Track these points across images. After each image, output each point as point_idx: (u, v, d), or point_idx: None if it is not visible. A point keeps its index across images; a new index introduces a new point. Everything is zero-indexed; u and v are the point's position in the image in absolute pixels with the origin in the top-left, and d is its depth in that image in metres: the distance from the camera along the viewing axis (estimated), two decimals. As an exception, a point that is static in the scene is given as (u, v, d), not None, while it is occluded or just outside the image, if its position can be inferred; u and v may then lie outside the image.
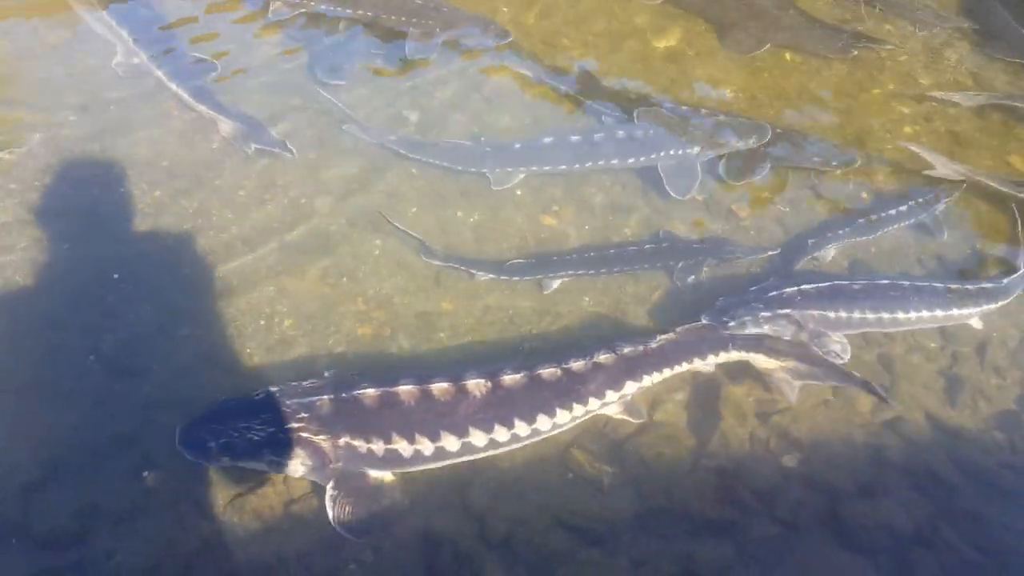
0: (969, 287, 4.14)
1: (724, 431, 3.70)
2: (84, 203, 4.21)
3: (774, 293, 3.85)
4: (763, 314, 3.75)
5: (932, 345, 4.17)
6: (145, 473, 3.29)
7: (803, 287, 3.88)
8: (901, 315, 3.93)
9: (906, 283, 4.03)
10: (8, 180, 4.21)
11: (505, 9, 5.85)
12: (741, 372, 3.88)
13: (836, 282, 3.96)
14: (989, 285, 4.19)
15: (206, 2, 5.45)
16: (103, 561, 3.10)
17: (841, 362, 3.74)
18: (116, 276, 3.88)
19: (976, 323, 4.14)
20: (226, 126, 4.54)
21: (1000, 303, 4.20)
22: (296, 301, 3.94)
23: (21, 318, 3.71)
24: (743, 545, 3.36)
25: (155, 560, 3.11)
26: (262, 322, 3.84)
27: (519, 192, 4.56)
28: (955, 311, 4.03)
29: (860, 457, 3.70)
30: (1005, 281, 4.23)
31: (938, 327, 4.16)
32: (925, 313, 3.97)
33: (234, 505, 3.26)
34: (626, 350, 3.52)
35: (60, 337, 3.66)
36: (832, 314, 3.83)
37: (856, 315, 3.86)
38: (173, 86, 4.71)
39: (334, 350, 3.78)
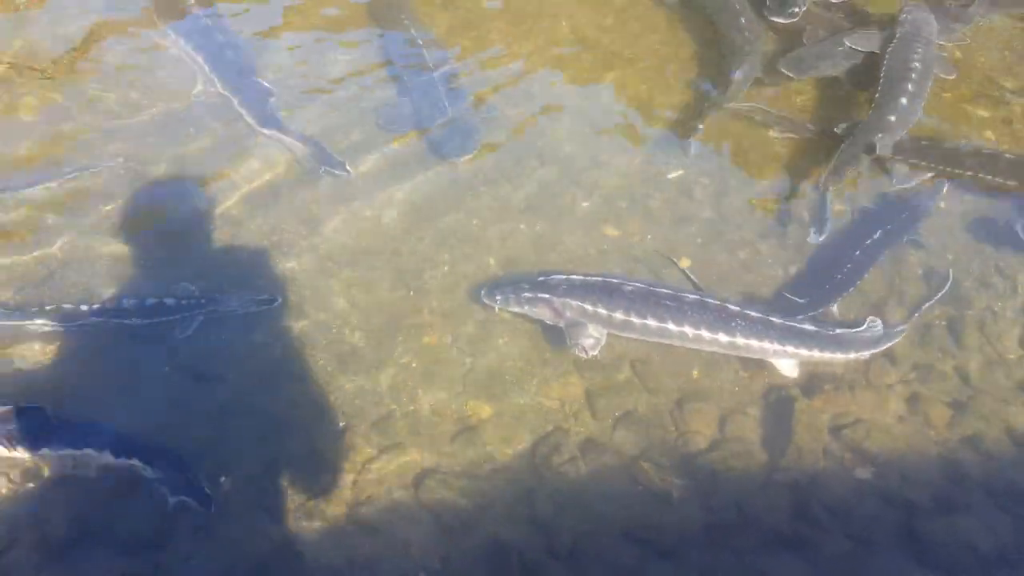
0: (778, 321, 3.79)
1: (797, 445, 3.63)
2: (162, 219, 4.40)
3: (543, 279, 3.92)
4: (525, 295, 3.87)
5: (1011, 356, 4.02)
6: (222, 479, 3.39)
7: (572, 277, 3.91)
8: (672, 327, 3.75)
9: (691, 297, 3.83)
10: (90, 198, 4.40)
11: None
12: (815, 386, 3.83)
13: (608, 279, 3.89)
14: (810, 328, 3.81)
15: (279, 33, 5.64)
16: (180, 564, 3.20)
17: (585, 356, 3.78)
18: (193, 288, 4.02)
19: (785, 367, 3.83)
20: (296, 149, 4.73)
21: (826, 353, 3.82)
22: (366, 313, 4.03)
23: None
24: (816, 561, 3.28)
25: (229, 564, 3.19)
26: (331, 337, 3.93)
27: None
28: (741, 340, 3.75)
29: (937, 472, 3.60)
30: (838, 331, 3.84)
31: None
32: (704, 334, 3.75)
33: (304, 509, 3.33)
34: None
35: (139, 345, 3.81)
36: (590, 308, 3.80)
37: (617, 316, 3.78)
38: (244, 111, 4.89)
39: (400, 359, 3.86)
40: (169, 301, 3.88)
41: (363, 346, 3.90)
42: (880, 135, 4.70)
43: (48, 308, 3.82)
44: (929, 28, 5.27)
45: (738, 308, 3.80)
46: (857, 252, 4.24)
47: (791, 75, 5.15)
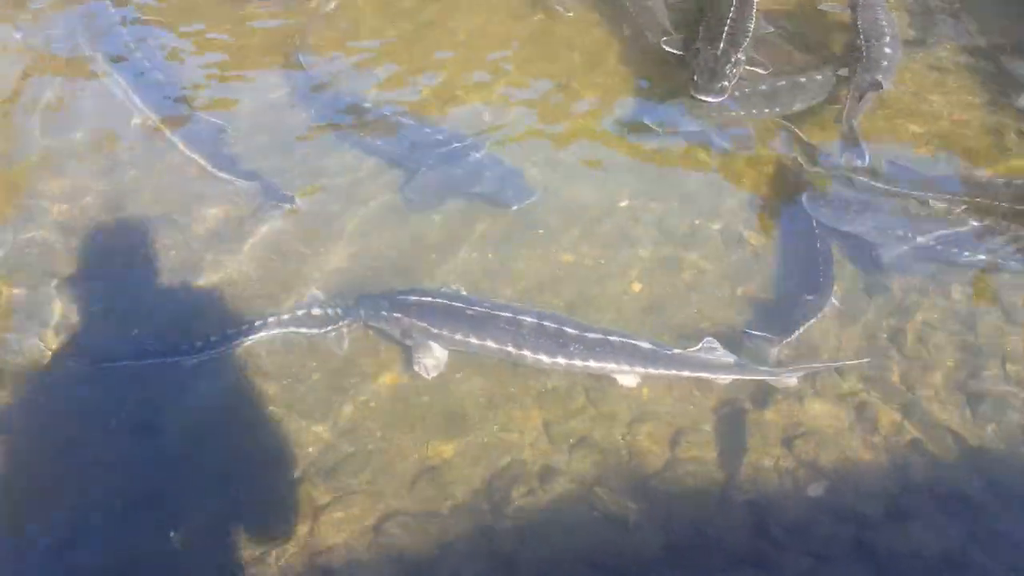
0: (618, 340, 3.84)
1: (751, 462, 3.68)
2: (109, 263, 4.32)
3: (401, 298, 4.00)
4: (383, 313, 3.97)
5: (949, 363, 4.15)
6: (171, 533, 3.31)
7: (423, 299, 3.98)
8: (512, 350, 3.82)
9: (530, 319, 3.85)
10: (31, 246, 4.30)
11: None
12: (765, 398, 3.89)
13: (453, 303, 3.96)
14: (647, 346, 3.85)
15: (216, 69, 5.62)
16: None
17: (427, 376, 3.85)
18: (135, 331, 3.94)
19: (626, 380, 3.89)
20: (239, 184, 4.67)
21: (666, 371, 3.86)
22: (322, 352, 3.99)
23: (49, 380, 3.77)
24: (778, 580, 3.32)
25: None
26: (290, 377, 3.88)
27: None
28: (579, 362, 3.82)
29: (886, 480, 3.67)
30: (675, 350, 3.88)
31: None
32: (544, 358, 3.82)
33: (258, 563, 3.27)
34: None
35: (86, 398, 3.71)
36: (435, 330, 3.88)
37: (458, 337, 3.87)
38: (186, 148, 4.83)
39: (358, 397, 3.83)
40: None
41: (319, 386, 3.85)
42: (880, 74, 5.38)
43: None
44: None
45: (576, 331, 3.84)
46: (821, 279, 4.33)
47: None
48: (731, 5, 5.87)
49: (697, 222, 4.76)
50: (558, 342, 3.81)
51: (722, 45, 5.43)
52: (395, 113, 5.18)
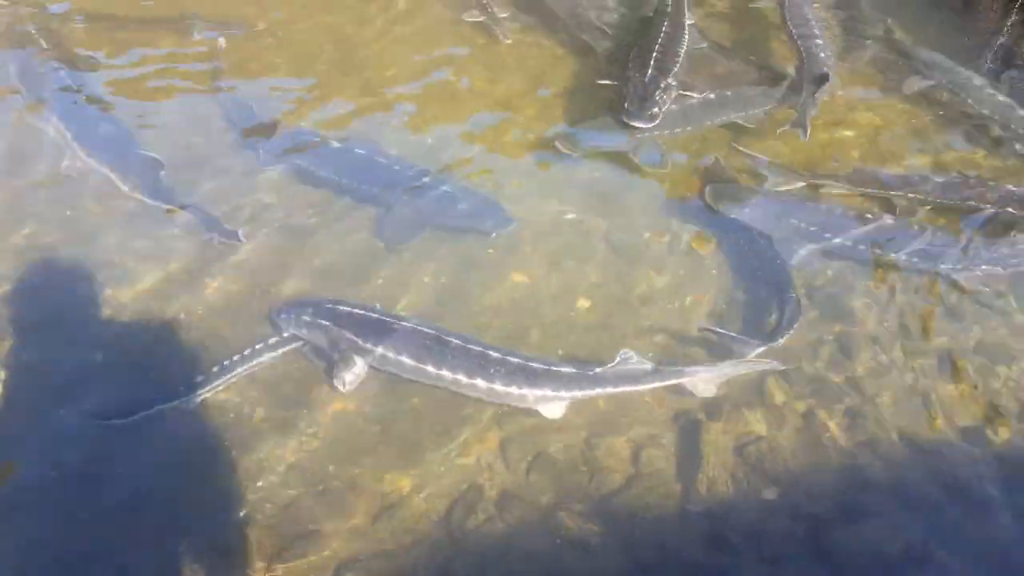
0: (539, 366, 3.81)
1: (707, 472, 3.69)
2: (48, 310, 4.19)
3: (330, 306, 3.98)
4: (305, 318, 3.95)
5: (898, 364, 4.23)
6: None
7: (355, 310, 3.98)
8: (431, 369, 3.81)
9: (454, 340, 3.84)
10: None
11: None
12: (717, 408, 3.92)
13: (383, 317, 3.96)
14: (569, 369, 3.84)
15: (152, 105, 5.55)
16: None
17: (343, 389, 3.85)
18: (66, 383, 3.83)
19: (550, 409, 3.82)
20: (183, 219, 4.59)
21: (581, 392, 3.82)
22: (268, 385, 3.92)
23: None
24: (736, 588, 3.34)
25: None
26: (232, 415, 3.79)
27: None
28: (500, 386, 3.77)
29: (840, 481, 3.73)
30: (597, 370, 3.83)
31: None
32: (462, 378, 3.78)
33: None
34: None
35: (21, 451, 3.59)
36: (360, 342, 3.87)
37: (379, 351, 3.85)
38: (123, 184, 4.74)
39: (307, 430, 3.77)
40: None
41: (265, 422, 3.77)
42: (824, 68, 5.81)
43: None
44: None
45: (499, 354, 3.81)
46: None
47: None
48: (661, 30, 6.06)
49: (646, 235, 4.82)
50: (479, 364, 3.79)
51: (650, 72, 5.59)
52: (347, 145, 5.14)
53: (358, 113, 5.66)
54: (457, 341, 3.85)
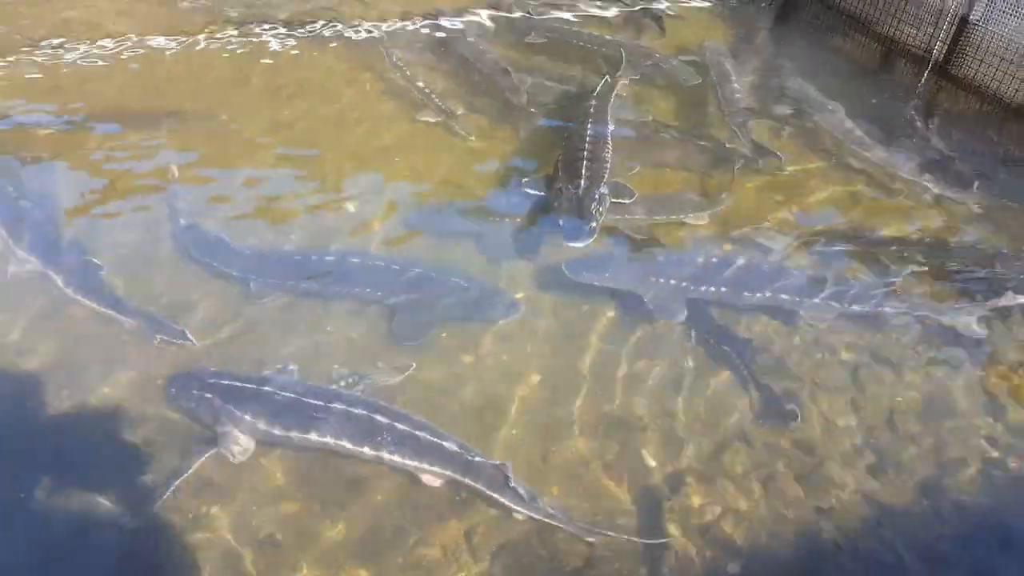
0: (426, 437, 3.78)
1: (671, 550, 3.66)
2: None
3: (213, 380, 4.00)
4: (206, 395, 3.95)
5: (841, 423, 4.30)
6: None
7: (233, 382, 3.98)
8: (314, 437, 3.79)
9: (339, 407, 3.83)
10: None
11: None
12: (679, 481, 3.93)
13: (262, 387, 3.95)
14: (453, 447, 3.77)
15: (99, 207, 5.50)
16: None
17: (233, 460, 3.78)
18: (22, 495, 3.69)
19: (428, 479, 3.79)
20: (128, 322, 4.52)
21: (460, 477, 3.76)
22: (220, 488, 3.80)
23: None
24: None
25: None
26: (189, 519, 3.68)
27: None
28: (386, 454, 3.77)
29: (800, 549, 3.72)
30: (476, 458, 3.78)
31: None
32: (346, 444, 3.78)
33: None
34: None
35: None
36: (239, 413, 3.87)
37: (261, 425, 3.83)
38: (69, 289, 4.67)
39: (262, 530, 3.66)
40: None
41: (217, 521, 3.65)
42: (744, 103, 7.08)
43: None
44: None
45: (388, 420, 3.81)
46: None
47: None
48: (585, 132, 5.96)
49: (585, 308, 4.88)
50: (365, 431, 3.77)
51: (583, 182, 5.34)
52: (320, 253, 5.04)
53: (319, 210, 5.66)
54: (342, 406, 3.84)
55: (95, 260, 4.88)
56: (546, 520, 3.69)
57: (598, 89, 6.76)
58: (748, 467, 4.05)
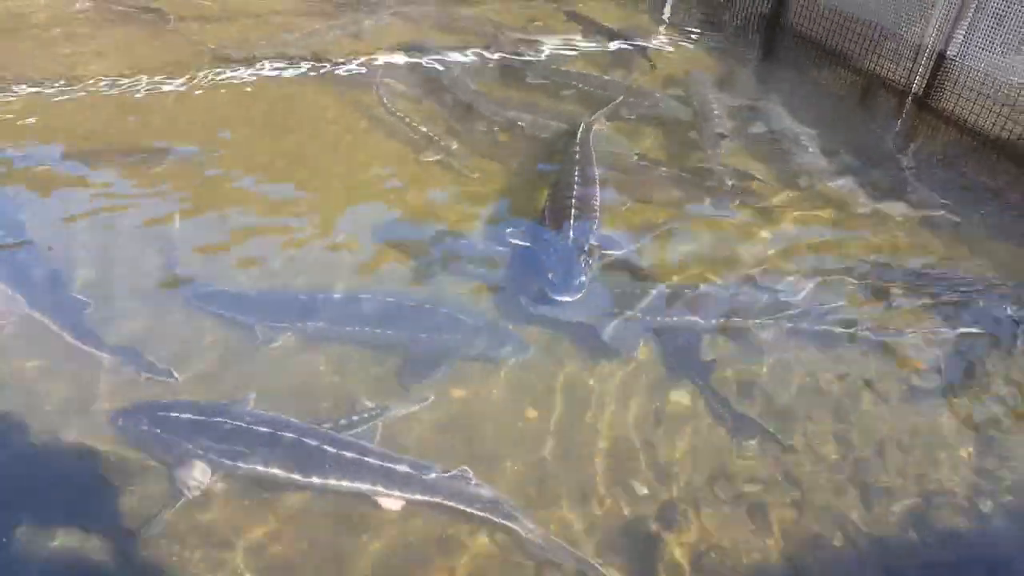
0: (375, 463, 3.80)
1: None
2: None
3: (162, 413, 3.98)
4: (142, 427, 3.94)
5: (833, 456, 4.33)
6: None
7: (182, 414, 3.97)
8: (260, 468, 3.78)
9: (288, 435, 3.85)
10: None
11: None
12: (672, 516, 3.93)
13: (212, 418, 3.94)
14: (406, 469, 3.82)
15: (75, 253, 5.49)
16: None
17: (188, 495, 3.73)
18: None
19: (388, 503, 3.77)
20: (111, 360, 4.51)
21: (421, 496, 3.77)
22: (200, 532, 3.76)
23: None
24: None
25: None
26: (173, 556, 3.67)
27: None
28: (333, 480, 3.78)
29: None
30: (433, 475, 3.81)
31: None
32: (297, 477, 3.77)
33: None
34: None
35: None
36: (190, 446, 3.84)
37: (212, 456, 3.81)
38: (55, 326, 4.67)
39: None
40: None
41: (202, 565, 3.58)
42: (720, 129, 7.48)
43: None
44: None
45: (334, 450, 3.83)
46: None
47: None
48: (573, 178, 5.86)
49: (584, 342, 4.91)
50: (313, 458, 3.78)
51: (571, 233, 5.26)
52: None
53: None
54: (292, 435, 3.85)
55: (81, 297, 4.90)
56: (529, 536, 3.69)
57: (580, 132, 6.81)
58: (735, 495, 4.05)
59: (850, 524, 3.97)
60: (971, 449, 4.39)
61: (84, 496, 3.91)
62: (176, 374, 4.44)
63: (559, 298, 4.83)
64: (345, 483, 3.76)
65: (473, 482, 3.80)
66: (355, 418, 4.16)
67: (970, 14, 7.54)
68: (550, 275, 4.95)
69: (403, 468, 3.83)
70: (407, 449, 4.08)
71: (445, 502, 3.78)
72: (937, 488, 4.18)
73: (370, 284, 5.29)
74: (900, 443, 4.41)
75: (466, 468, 3.83)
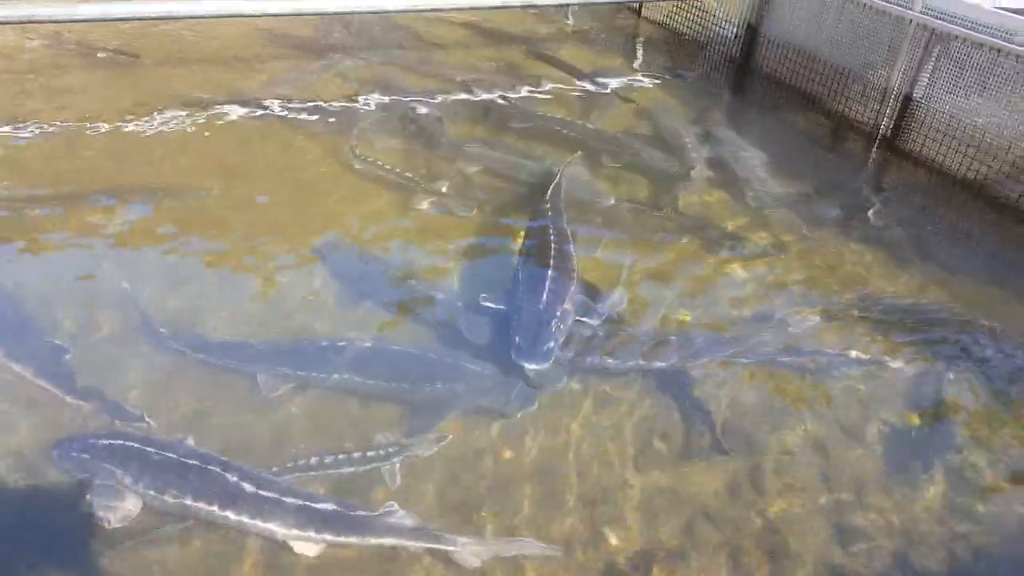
0: (293, 502, 3.74)
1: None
2: None
3: (120, 442, 4.01)
4: (83, 456, 3.96)
5: (822, 500, 4.32)
6: None
7: (113, 441, 4.01)
8: (169, 500, 3.75)
9: (214, 469, 3.81)
10: None
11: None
12: (648, 563, 3.89)
13: (164, 452, 3.91)
14: (330, 507, 3.76)
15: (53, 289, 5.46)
16: None
17: (107, 525, 3.68)
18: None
19: (303, 548, 3.66)
20: (86, 407, 4.44)
21: (345, 538, 3.69)
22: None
23: None
24: None
25: None
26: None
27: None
28: (247, 519, 3.71)
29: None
30: (359, 513, 3.77)
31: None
32: (215, 509, 3.72)
33: None
34: None
35: None
36: (125, 478, 3.80)
37: (148, 490, 3.78)
38: (28, 373, 4.61)
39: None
40: None
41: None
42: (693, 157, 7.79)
43: None
44: None
45: (254, 488, 3.77)
46: None
47: None
48: (549, 243, 5.61)
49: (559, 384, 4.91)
50: (228, 495, 3.73)
51: (545, 296, 5.03)
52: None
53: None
54: (218, 470, 3.83)
55: (59, 343, 4.84)
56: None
57: (554, 183, 6.65)
58: (717, 540, 4.03)
59: (832, 569, 3.96)
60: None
61: (45, 539, 3.82)
62: (149, 419, 4.37)
63: (526, 365, 4.68)
64: (259, 523, 3.69)
65: (399, 513, 3.77)
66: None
67: (932, 60, 7.79)
68: (518, 340, 4.78)
69: (327, 507, 3.76)
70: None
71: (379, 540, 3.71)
72: (923, 531, 4.19)
73: (348, 331, 5.26)
74: (883, 482, 4.43)
75: (392, 503, 3.82)
